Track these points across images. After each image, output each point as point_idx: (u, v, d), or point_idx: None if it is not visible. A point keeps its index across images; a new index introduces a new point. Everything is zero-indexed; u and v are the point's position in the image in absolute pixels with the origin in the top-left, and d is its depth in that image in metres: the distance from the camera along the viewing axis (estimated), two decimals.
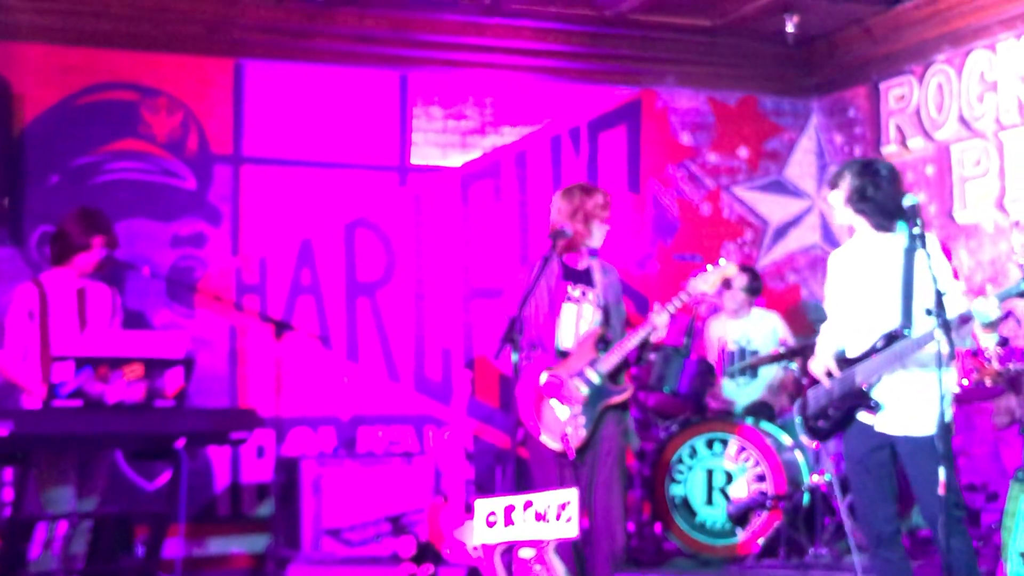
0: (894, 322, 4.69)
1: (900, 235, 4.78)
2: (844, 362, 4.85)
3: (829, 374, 4.88)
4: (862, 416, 4.81)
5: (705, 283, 5.77)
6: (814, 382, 4.99)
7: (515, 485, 5.45)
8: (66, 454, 5.64)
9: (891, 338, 4.69)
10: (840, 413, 4.84)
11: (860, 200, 4.84)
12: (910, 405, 4.70)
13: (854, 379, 4.78)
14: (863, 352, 4.77)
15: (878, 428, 4.78)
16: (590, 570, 5.76)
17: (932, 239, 4.86)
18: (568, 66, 8.28)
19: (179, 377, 5.42)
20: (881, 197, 4.80)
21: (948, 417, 4.74)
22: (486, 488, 7.39)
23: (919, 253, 4.57)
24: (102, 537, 5.66)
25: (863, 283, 4.87)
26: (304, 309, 7.61)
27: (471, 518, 5.21)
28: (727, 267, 5.79)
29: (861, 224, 4.89)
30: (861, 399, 4.76)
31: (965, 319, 4.54)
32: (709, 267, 5.81)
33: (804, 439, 5.12)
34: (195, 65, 7.45)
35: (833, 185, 4.94)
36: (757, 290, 7.62)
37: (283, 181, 7.60)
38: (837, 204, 4.93)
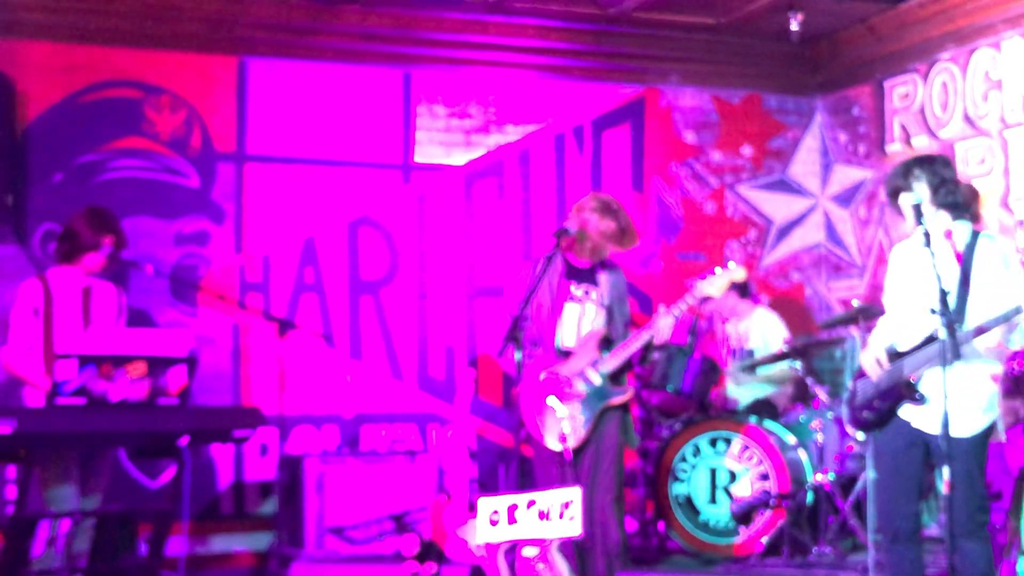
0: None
1: (965, 227, 4.74)
2: (894, 355, 4.82)
3: (879, 365, 4.84)
4: (905, 411, 4.78)
5: (711, 286, 5.74)
6: (863, 375, 4.95)
7: (518, 484, 5.45)
8: (69, 452, 5.64)
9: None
10: (886, 405, 4.81)
11: (948, 193, 4.70)
12: (952, 405, 4.65)
13: (902, 371, 4.74)
14: (914, 346, 4.73)
15: (915, 425, 4.75)
16: (591, 569, 5.77)
17: (1000, 238, 4.83)
18: (572, 64, 8.27)
19: (182, 375, 5.42)
20: (963, 188, 4.75)
21: (989, 421, 4.72)
22: (489, 487, 7.40)
23: (979, 247, 4.55)
24: (105, 535, 5.67)
25: (920, 277, 4.80)
26: (307, 307, 7.61)
27: (474, 516, 5.21)
28: (735, 271, 5.75)
29: (941, 219, 4.74)
30: (907, 391, 4.73)
31: (1013, 315, 4.48)
32: (717, 270, 5.77)
33: (850, 429, 5.10)
34: (199, 63, 7.45)
35: (902, 188, 4.75)
36: (743, 290, 7.55)
37: (286, 179, 7.60)
38: (913, 204, 4.70)
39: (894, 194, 4.83)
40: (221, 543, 7.24)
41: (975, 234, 4.72)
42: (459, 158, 8.00)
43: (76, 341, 5.54)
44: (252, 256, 7.52)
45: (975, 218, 4.64)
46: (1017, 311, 4.47)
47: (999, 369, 4.76)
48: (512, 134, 8.13)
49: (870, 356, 4.89)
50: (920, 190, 4.73)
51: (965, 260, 4.66)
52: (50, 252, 6.43)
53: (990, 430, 4.74)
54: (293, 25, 7.63)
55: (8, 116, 6.91)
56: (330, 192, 7.69)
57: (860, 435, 5.17)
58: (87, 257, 5.89)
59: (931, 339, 4.62)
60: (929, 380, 4.70)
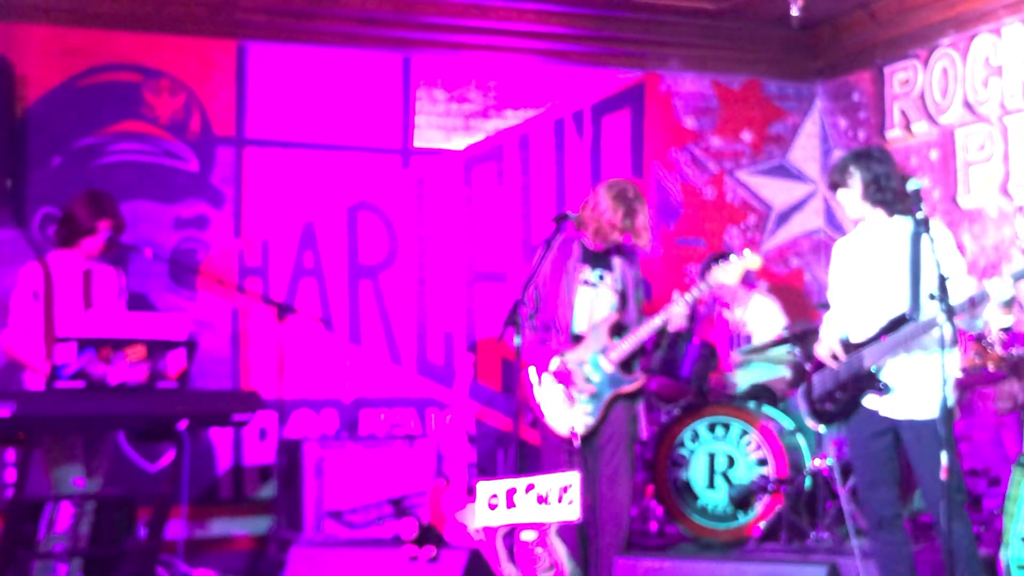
0: (901, 306, 4.70)
1: (907, 220, 4.77)
2: (849, 346, 4.86)
3: (835, 358, 4.88)
4: (869, 400, 4.81)
5: (726, 274, 5.70)
6: (819, 366, 4.99)
7: (517, 468, 5.45)
8: (71, 435, 5.65)
9: (899, 322, 4.69)
10: (848, 396, 4.85)
11: (878, 191, 4.80)
12: (914, 389, 4.71)
13: (862, 362, 4.78)
14: (870, 336, 4.78)
15: (883, 412, 4.80)
16: (594, 557, 5.77)
17: (937, 223, 4.87)
18: (572, 49, 8.26)
19: (181, 359, 5.42)
20: (895, 184, 4.78)
21: (951, 401, 4.77)
22: (488, 471, 7.40)
23: (925, 237, 4.57)
24: (104, 519, 5.68)
25: (870, 268, 4.86)
26: (306, 292, 7.61)
27: (473, 501, 5.22)
28: (751, 259, 5.71)
29: (877, 214, 4.87)
30: (870, 382, 4.76)
31: (979, 300, 4.53)
32: (732, 257, 5.74)
33: (809, 423, 5.12)
34: (198, 47, 7.44)
35: (839, 184, 4.89)
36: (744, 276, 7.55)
37: (286, 163, 7.60)
38: (850, 200, 4.88)
39: (833, 188, 4.93)
40: (220, 527, 7.25)
41: (917, 223, 4.71)
42: (458, 143, 7.99)
43: (76, 324, 5.54)
44: (251, 240, 7.51)
45: (913, 210, 4.66)
46: (983, 296, 4.51)
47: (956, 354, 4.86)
48: (512, 119, 8.12)
49: (825, 348, 4.93)
50: (855, 185, 4.80)
51: (912, 252, 4.68)
52: (49, 236, 6.42)
53: (953, 410, 4.81)
54: (292, 9, 7.62)
55: (7, 99, 6.89)
56: (329, 176, 7.68)
57: (822, 428, 5.19)
58: (85, 241, 5.89)
59: (889, 328, 4.67)
60: (891, 368, 4.73)
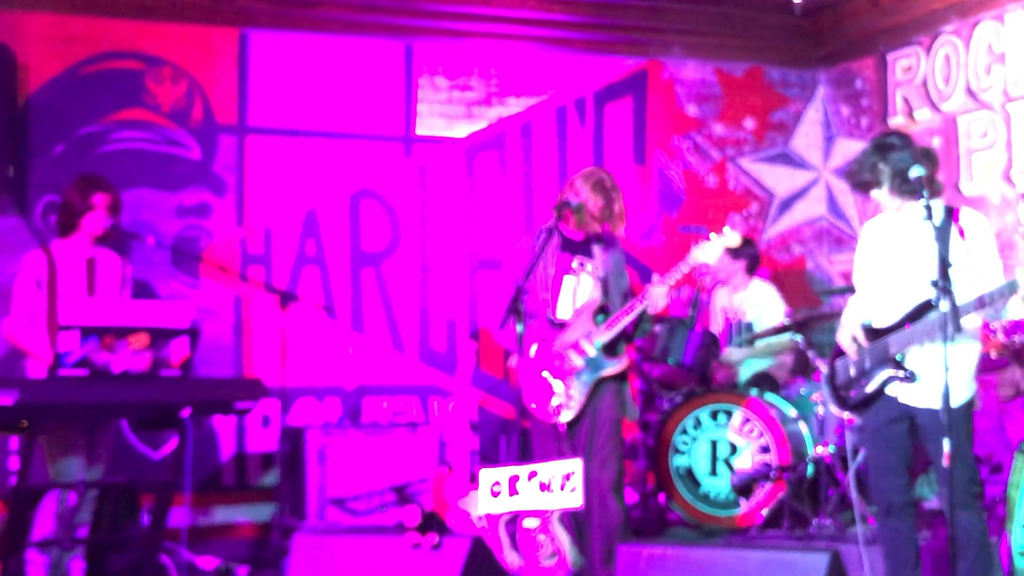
0: (924, 293, 4.66)
1: (936, 204, 4.73)
2: (871, 333, 4.84)
3: (856, 345, 4.86)
4: (892, 388, 4.80)
5: (705, 253, 5.72)
6: (840, 353, 4.97)
7: (520, 455, 5.46)
8: (74, 423, 5.66)
9: (923, 309, 4.65)
10: (872, 384, 4.83)
11: (904, 182, 4.73)
12: (935, 377, 4.68)
13: (887, 349, 4.76)
14: (895, 322, 4.75)
15: (901, 399, 4.78)
16: (586, 538, 5.78)
17: (970, 212, 4.83)
18: (574, 36, 8.24)
19: (184, 347, 5.43)
20: (912, 172, 4.73)
21: (972, 391, 4.76)
22: (491, 458, 7.41)
23: (951, 225, 4.56)
24: (107, 506, 5.69)
25: (896, 253, 4.83)
26: (309, 279, 7.61)
27: (476, 488, 5.23)
28: (729, 236, 5.73)
29: (910, 204, 4.79)
30: (895, 369, 4.75)
31: (1010, 290, 4.50)
32: (712, 236, 5.76)
33: (834, 409, 5.10)
34: (200, 35, 7.43)
35: (871, 184, 4.80)
36: (752, 259, 7.55)
37: (288, 151, 7.59)
38: (883, 197, 4.81)
39: (864, 189, 4.85)
40: (223, 514, 7.26)
41: (948, 210, 4.71)
42: (461, 130, 7.99)
43: (79, 312, 5.55)
44: (254, 228, 7.51)
45: (938, 191, 4.66)
46: (1012, 286, 4.48)
47: (978, 345, 4.82)
48: (514, 106, 8.11)
49: (846, 334, 4.91)
50: (885, 181, 4.76)
51: (939, 237, 4.66)
52: (52, 224, 6.43)
53: (973, 400, 4.79)
54: None
55: (9, 88, 6.89)
56: (332, 164, 7.68)
57: (845, 414, 5.19)
58: (85, 220, 5.88)
59: (914, 315, 4.65)
60: (914, 356, 4.72)
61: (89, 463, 5.79)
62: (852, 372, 4.91)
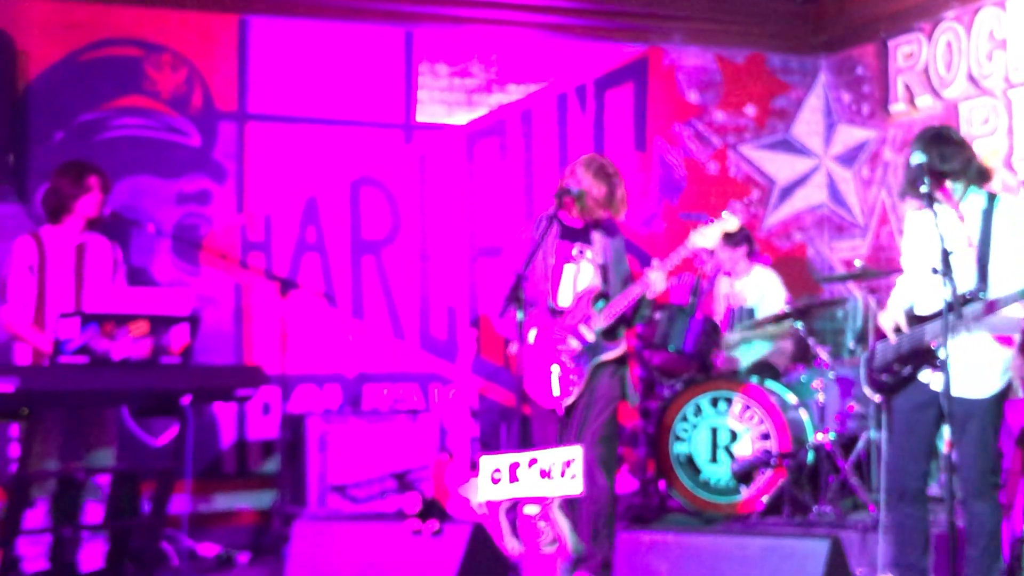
0: (968, 283, 4.65)
1: (981, 194, 4.72)
2: (913, 319, 4.83)
3: (897, 329, 4.85)
4: (924, 375, 4.79)
5: (703, 238, 5.71)
6: (883, 336, 4.95)
7: (520, 442, 5.46)
8: (65, 414, 5.66)
9: (965, 299, 4.63)
10: (907, 369, 4.82)
11: (973, 173, 4.72)
12: (969, 367, 4.67)
13: (924, 336, 4.74)
14: (936, 311, 4.73)
15: (933, 387, 4.76)
16: (582, 521, 5.79)
17: (1009, 200, 4.80)
18: (574, 23, 8.23)
19: (185, 334, 5.43)
20: (966, 160, 4.71)
21: (1003, 382, 4.74)
22: (491, 445, 7.42)
23: (996, 214, 4.54)
24: (125, 492, 5.71)
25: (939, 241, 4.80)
26: (309, 267, 7.61)
27: (476, 475, 5.23)
28: (727, 221, 5.72)
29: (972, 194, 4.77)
30: (929, 357, 4.73)
31: None
32: (710, 221, 5.75)
33: (867, 391, 5.09)
34: (199, 21, 7.41)
35: (947, 175, 4.72)
36: (749, 243, 7.54)
37: (288, 138, 7.58)
38: (957, 189, 4.75)
39: (937, 180, 4.75)
40: (224, 501, 7.27)
41: (991, 197, 4.71)
42: (461, 117, 7.97)
43: (72, 298, 5.55)
44: (254, 215, 7.51)
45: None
46: None
47: (1017, 335, 4.80)
48: (514, 93, 8.09)
49: (889, 319, 4.90)
50: (960, 172, 4.72)
51: (983, 228, 4.64)
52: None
53: (1006, 391, 4.77)
54: None
55: (8, 75, 6.88)
56: (332, 151, 7.67)
57: (876, 397, 5.16)
58: (81, 203, 5.88)
59: (966, 298, 4.63)
60: (951, 345, 4.70)
61: (98, 447, 5.81)
62: (889, 356, 4.90)
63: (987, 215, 4.67)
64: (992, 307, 4.54)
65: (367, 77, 7.76)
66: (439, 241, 7.89)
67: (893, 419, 4.98)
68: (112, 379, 5.26)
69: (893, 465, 4.96)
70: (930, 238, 4.78)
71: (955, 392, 4.68)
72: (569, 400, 5.69)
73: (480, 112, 8.01)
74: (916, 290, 4.90)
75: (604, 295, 5.81)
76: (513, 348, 5.83)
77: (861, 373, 5.10)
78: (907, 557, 4.91)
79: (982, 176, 4.77)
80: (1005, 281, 4.59)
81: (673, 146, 8.46)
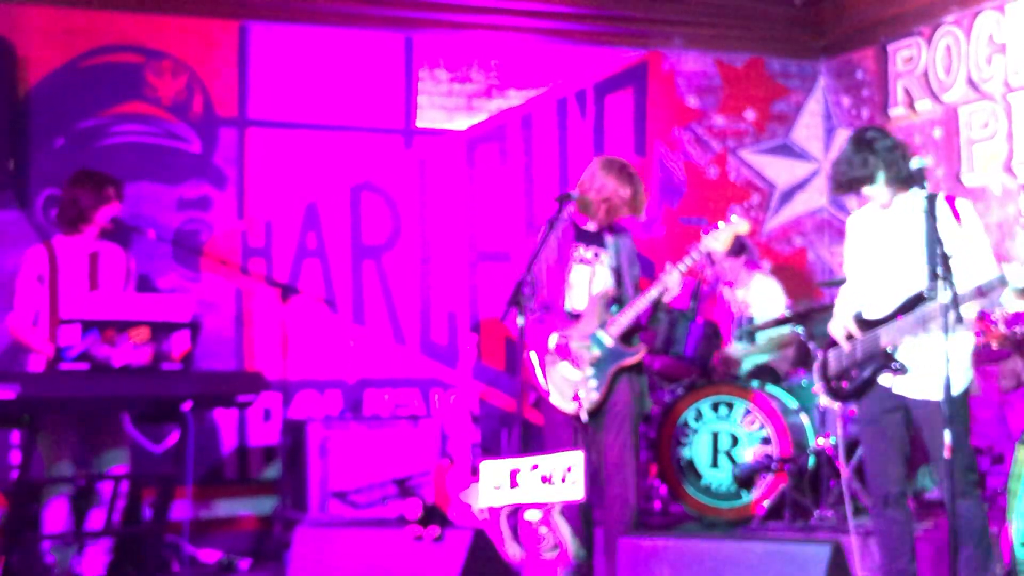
0: (917, 284, 4.66)
1: (920, 193, 4.72)
2: (864, 324, 4.84)
3: (849, 336, 4.87)
4: (884, 378, 4.80)
5: (715, 240, 5.69)
6: (834, 343, 4.98)
7: (521, 448, 5.46)
8: (70, 420, 5.67)
9: (915, 300, 4.65)
10: (864, 375, 4.84)
11: (900, 174, 4.72)
12: (928, 368, 4.69)
13: (878, 341, 4.76)
14: (887, 314, 4.75)
15: (896, 391, 4.78)
16: (605, 534, 5.78)
17: (964, 203, 4.83)
18: (574, 28, 8.23)
19: (185, 340, 5.44)
20: (913, 163, 4.71)
21: (968, 380, 4.76)
22: (492, 451, 7.42)
23: (939, 213, 4.55)
24: (137, 497, 5.74)
25: (885, 244, 4.83)
26: (310, 272, 7.61)
27: (477, 481, 5.22)
28: (739, 223, 5.70)
29: (902, 195, 4.80)
30: (886, 361, 4.75)
31: (998, 284, 4.50)
32: (720, 223, 5.74)
33: (825, 400, 5.11)
34: (200, 27, 7.42)
35: (864, 180, 4.75)
36: (748, 252, 7.54)
37: (288, 144, 7.59)
38: (878, 192, 4.78)
39: (856, 187, 4.80)
40: (225, 507, 7.27)
41: (931, 197, 4.68)
42: (461, 123, 7.98)
43: (80, 306, 5.55)
44: (254, 221, 7.51)
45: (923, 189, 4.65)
46: (1002, 279, 4.48)
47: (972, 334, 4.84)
48: (514, 98, 8.10)
49: (839, 325, 4.91)
50: (880, 177, 4.74)
51: (928, 227, 4.64)
52: (52, 219, 6.43)
53: (970, 389, 4.80)
54: None
55: (9, 81, 6.88)
56: (332, 157, 7.68)
57: (836, 405, 5.19)
58: (100, 213, 5.90)
59: (907, 307, 4.65)
60: (907, 348, 4.72)
61: (111, 448, 5.83)
62: (844, 363, 4.92)
63: (929, 215, 4.63)
64: (980, 292, 4.54)
65: (367, 83, 7.76)
66: (439, 246, 7.89)
67: (863, 427, 5.00)
68: (113, 385, 5.27)
69: (871, 472, 4.98)
70: (872, 241, 4.82)
71: (918, 395, 4.71)
72: (590, 407, 5.67)
73: (480, 117, 8.01)
74: (864, 295, 4.91)
75: (617, 299, 5.80)
76: (531, 354, 5.80)
77: (816, 382, 5.10)
78: (896, 563, 4.92)
79: (910, 178, 4.73)
80: (968, 276, 4.57)
81: (673, 151, 8.46)
